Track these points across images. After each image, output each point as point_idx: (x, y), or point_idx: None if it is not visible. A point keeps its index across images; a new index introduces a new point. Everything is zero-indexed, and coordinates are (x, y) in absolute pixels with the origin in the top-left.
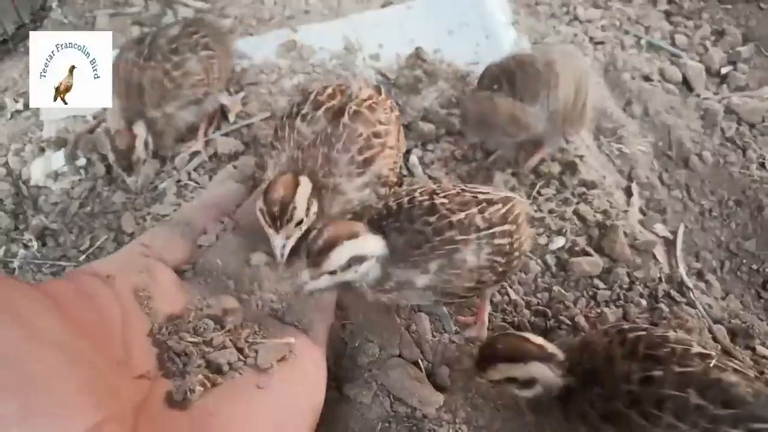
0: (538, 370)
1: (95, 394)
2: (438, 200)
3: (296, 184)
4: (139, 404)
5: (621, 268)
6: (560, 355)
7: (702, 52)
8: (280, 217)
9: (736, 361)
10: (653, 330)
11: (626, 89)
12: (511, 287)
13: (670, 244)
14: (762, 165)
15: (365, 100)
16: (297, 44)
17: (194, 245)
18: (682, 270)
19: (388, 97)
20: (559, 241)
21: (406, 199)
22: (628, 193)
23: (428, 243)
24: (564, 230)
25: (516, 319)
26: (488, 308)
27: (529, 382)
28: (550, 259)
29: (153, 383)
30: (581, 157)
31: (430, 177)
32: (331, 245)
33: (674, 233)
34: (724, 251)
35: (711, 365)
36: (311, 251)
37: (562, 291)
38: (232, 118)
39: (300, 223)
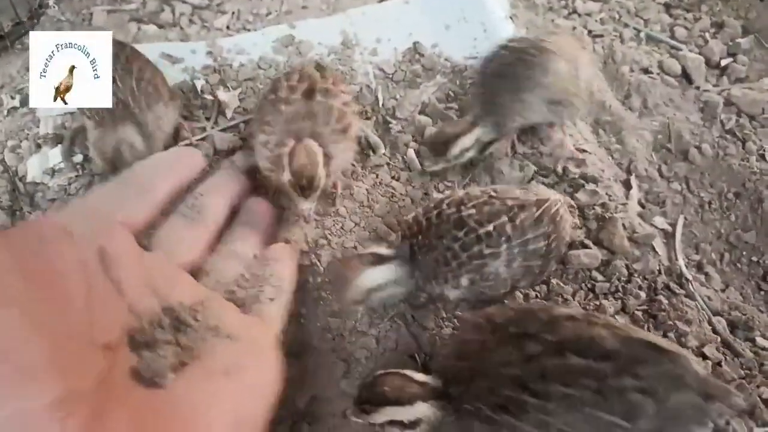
0: (423, 410)
1: (59, 364)
2: (465, 212)
3: (314, 153)
4: (103, 377)
5: (620, 260)
6: (439, 385)
7: (701, 44)
8: (308, 187)
9: (602, 317)
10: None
11: (625, 82)
12: None
13: (669, 237)
14: (762, 157)
15: (325, 78)
16: (294, 39)
17: (153, 211)
18: (681, 262)
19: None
20: None
21: (434, 213)
22: (627, 185)
23: (456, 259)
24: None
25: None
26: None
27: (414, 423)
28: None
29: (116, 354)
30: (582, 150)
31: (426, 172)
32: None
33: (673, 225)
34: (723, 243)
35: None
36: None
37: (560, 284)
38: (229, 114)
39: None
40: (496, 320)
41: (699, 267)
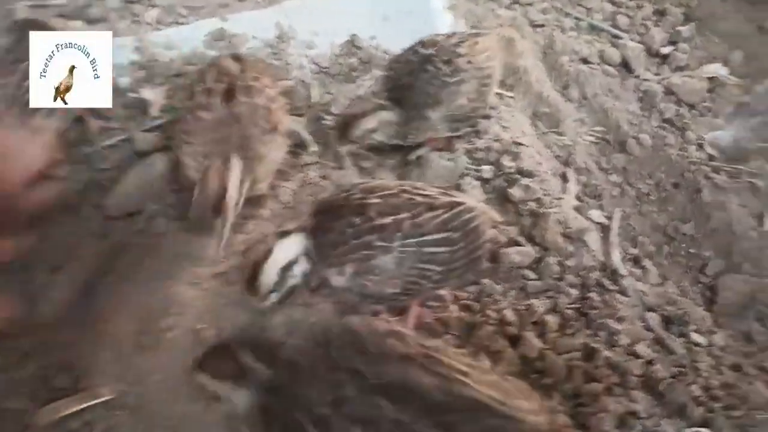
0: (226, 391)
1: None
2: (370, 200)
3: (226, 170)
4: None
5: (552, 257)
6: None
7: (643, 32)
8: (218, 211)
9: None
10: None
11: (564, 72)
12: None
13: (606, 231)
14: (700, 146)
15: (245, 73)
16: (227, 33)
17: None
18: (615, 257)
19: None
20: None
21: (343, 196)
22: (565, 179)
23: (345, 245)
24: None
25: (443, 315)
26: (416, 312)
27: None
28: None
29: None
30: (518, 143)
31: (360, 168)
32: (254, 275)
33: (610, 219)
34: (661, 235)
35: None
36: (246, 283)
37: (493, 284)
38: (154, 112)
39: (237, 203)
40: (328, 337)
41: (636, 261)
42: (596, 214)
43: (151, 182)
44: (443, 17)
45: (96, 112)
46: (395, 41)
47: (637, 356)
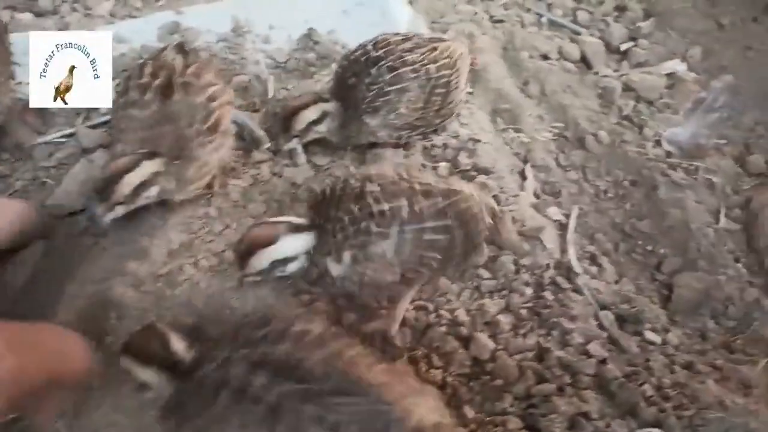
0: (150, 377)
1: None
2: (369, 187)
3: (134, 165)
4: None
5: (507, 255)
6: (185, 361)
7: (603, 28)
8: (102, 191)
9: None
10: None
11: (524, 68)
12: None
13: (564, 228)
14: (658, 143)
15: (187, 67)
16: (181, 26)
17: None
18: (572, 255)
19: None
20: None
21: (341, 185)
22: (523, 176)
23: (343, 232)
24: None
25: None
26: (407, 302)
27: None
28: None
29: None
30: (476, 140)
31: (314, 165)
32: (248, 253)
33: (568, 216)
34: (618, 233)
35: None
36: (236, 254)
37: (447, 283)
38: (104, 108)
39: (122, 202)
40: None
41: (592, 259)
42: (554, 212)
43: (94, 180)
44: (403, 11)
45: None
46: (354, 35)
47: (589, 355)
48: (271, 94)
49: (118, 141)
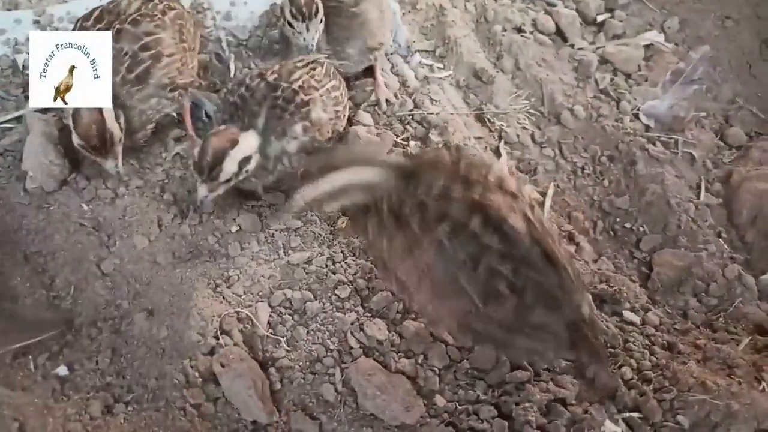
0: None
1: None
2: (270, 78)
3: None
4: None
5: None
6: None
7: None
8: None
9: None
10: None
11: (497, 42)
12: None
13: (540, 207)
14: (636, 117)
15: (130, 15)
16: None
17: None
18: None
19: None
20: None
21: (242, 90)
22: (497, 153)
23: (286, 111)
24: None
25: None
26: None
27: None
28: None
29: None
30: (445, 119)
31: None
32: (220, 158)
33: (544, 195)
34: (596, 211)
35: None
36: (202, 168)
37: None
38: None
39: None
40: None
41: (570, 238)
42: (529, 189)
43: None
44: None
45: None
46: None
47: None
48: (233, 74)
49: None
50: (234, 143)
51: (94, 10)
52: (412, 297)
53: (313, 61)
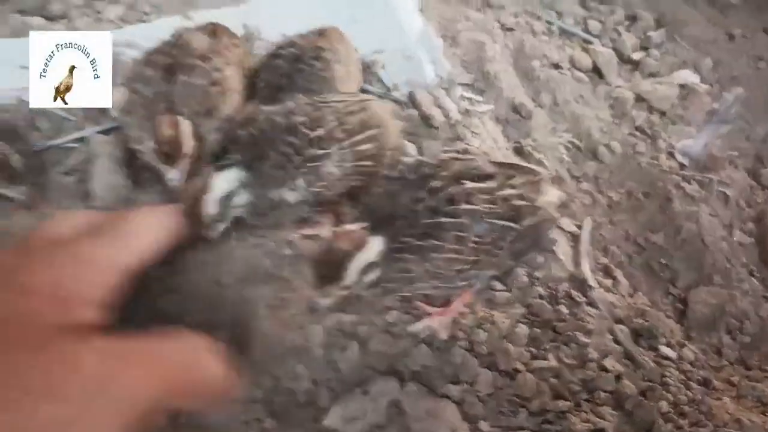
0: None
1: None
2: (296, 119)
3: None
4: None
5: (520, 267)
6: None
7: (615, 37)
8: (172, 152)
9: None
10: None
11: (535, 77)
12: None
13: (576, 240)
14: (671, 155)
15: (197, 51)
16: None
17: None
18: (585, 268)
19: (229, 36)
20: None
21: (264, 123)
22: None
23: (290, 163)
24: None
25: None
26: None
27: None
28: None
29: None
30: (485, 152)
31: None
32: (197, 206)
33: (581, 228)
34: (632, 245)
35: None
36: (189, 219)
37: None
38: (113, 112)
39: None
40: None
41: (606, 271)
42: (566, 223)
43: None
44: (413, 19)
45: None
46: (364, 43)
47: (606, 371)
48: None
49: (128, 113)
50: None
51: (163, 45)
52: None
53: (360, 100)
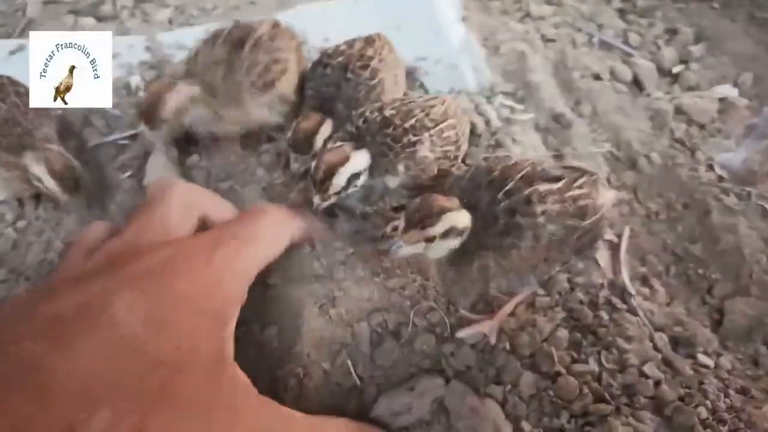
0: (465, 217)
1: None
2: (387, 112)
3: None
4: None
5: (561, 273)
6: None
7: (654, 50)
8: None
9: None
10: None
11: (575, 88)
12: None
13: (614, 248)
14: (710, 167)
15: (261, 31)
16: None
17: None
18: (624, 275)
19: (288, 29)
20: None
21: (360, 121)
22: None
23: (391, 150)
24: None
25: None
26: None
27: (463, 231)
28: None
29: None
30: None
31: None
32: (330, 174)
33: (619, 237)
34: (670, 255)
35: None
36: (315, 181)
37: (501, 297)
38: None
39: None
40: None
41: (644, 280)
42: (606, 231)
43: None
44: (455, 28)
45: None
46: (406, 50)
47: (646, 377)
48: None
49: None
50: (345, 160)
51: (220, 31)
52: None
53: (434, 98)
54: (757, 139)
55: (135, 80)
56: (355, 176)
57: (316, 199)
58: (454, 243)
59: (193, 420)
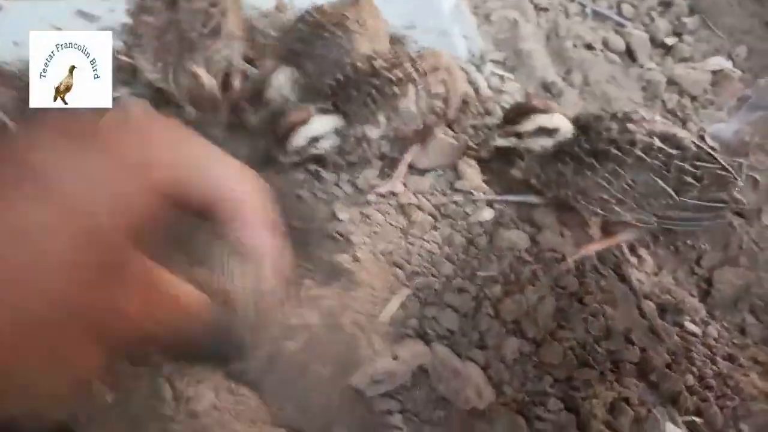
0: (560, 120)
1: None
2: (377, 63)
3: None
4: None
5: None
6: None
7: (648, 22)
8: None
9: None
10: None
11: (567, 57)
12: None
13: None
14: (702, 138)
15: None
16: None
17: None
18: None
19: None
20: (487, 214)
21: (350, 71)
22: None
23: (373, 101)
24: (493, 202)
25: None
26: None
27: (554, 131)
28: (478, 231)
29: None
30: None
31: None
32: (289, 133)
33: None
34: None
35: None
36: (275, 136)
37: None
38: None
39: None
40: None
41: (632, 249)
42: None
43: None
44: None
45: None
46: (395, 18)
47: (632, 343)
48: None
49: (136, 46)
50: (304, 122)
51: None
52: None
53: (429, 51)
54: (749, 110)
55: (117, 45)
56: (315, 139)
57: (280, 157)
58: (544, 142)
59: None
